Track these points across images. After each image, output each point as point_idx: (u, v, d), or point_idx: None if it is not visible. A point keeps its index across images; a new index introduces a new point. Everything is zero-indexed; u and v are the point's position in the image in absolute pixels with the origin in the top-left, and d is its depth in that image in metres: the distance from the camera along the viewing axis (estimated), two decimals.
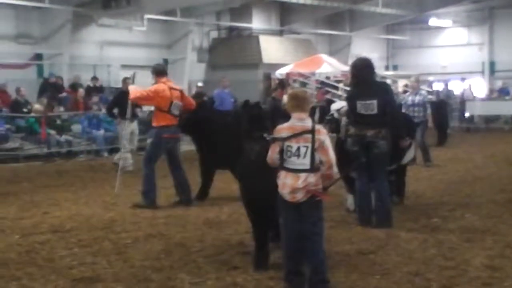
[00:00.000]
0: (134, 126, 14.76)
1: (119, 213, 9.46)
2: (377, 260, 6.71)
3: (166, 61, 27.83)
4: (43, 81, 21.64)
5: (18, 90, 19.08)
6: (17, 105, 18.53)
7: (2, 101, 18.74)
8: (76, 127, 18.89)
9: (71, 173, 14.57)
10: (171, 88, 9.93)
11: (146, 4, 23.45)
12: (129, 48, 25.75)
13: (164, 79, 10.04)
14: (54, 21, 23.10)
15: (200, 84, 21.65)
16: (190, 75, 27.33)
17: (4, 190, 12.00)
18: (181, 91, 10.19)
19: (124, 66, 25.45)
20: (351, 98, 8.59)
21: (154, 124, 10.00)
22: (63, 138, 18.20)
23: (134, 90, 10.03)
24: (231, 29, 29.66)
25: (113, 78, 24.39)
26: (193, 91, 22.64)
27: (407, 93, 15.24)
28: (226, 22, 29.34)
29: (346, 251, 7.07)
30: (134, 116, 14.06)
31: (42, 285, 5.97)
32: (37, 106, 18.37)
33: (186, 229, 8.34)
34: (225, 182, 11.09)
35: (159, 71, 10.20)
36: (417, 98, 14.12)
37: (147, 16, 25.31)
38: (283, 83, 22.92)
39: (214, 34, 29.64)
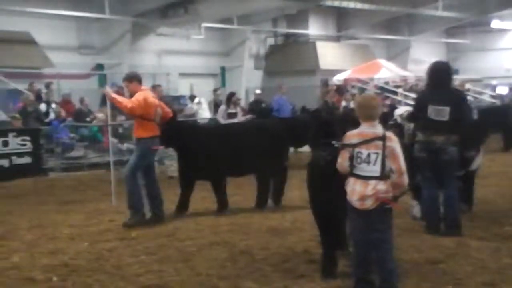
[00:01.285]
0: None
1: (182, 221, 9.51)
2: (448, 270, 6.54)
3: (223, 68, 28.07)
4: (103, 93, 21.97)
5: (81, 100, 19.48)
6: (81, 115, 18.88)
7: (67, 110, 19.07)
8: None
9: None
10: (153, 96, 9.58)
11: (203, 13, 23.63)
12: (187, 56, 26.00)
13: (143, 87, 9.53)
14: (114, 32, 23.49)
15: (258, 91, 21.62)
16: (247, 82, 27.45)
17: (70, 198, 12.22)
18: (159, 100, 9.83)
19: (182, 74, 25.75)
20: (422, 101, 8.43)
21: (142, 135, 9.40)
22: (126, 146, 18.43)
23: (124, 100, 9.44)
24: (287, 35, 29.68)
25: (172, 86, 24.69)
26: (251, 98, 22.71)
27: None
28: (282, 29, 29.36)
29: (415, 259, 6.92)
30: None
31: None
32: (100, 115, 18.67)
33: (249, 237, 8.30)
34: (286, 189, 11.02)
35: (139, 80, 9.50)
36: None
37: (204, 24, 25.51)
38: (340, 89, 22.86)
39: (271, 41, 29.69)
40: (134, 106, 9.18)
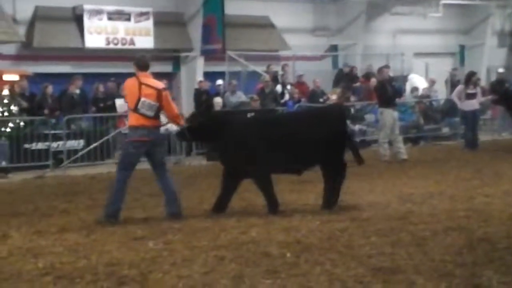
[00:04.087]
0: (395, 114, 15.00)
1: (416, 204, 9.32)
2: None
3: (462, 47, 27.07)
4: (338, 71, 22.25)
5: (314, 82, 19.90)
6: (314, 96, 19.29)
7: (301, 91, 19.57)
8: (370, 117, 19.09)
9: (366, 163, 14.55)
10: (142, 84, 8.65)
11: None
12: (423, 35, 25.47)
13: (141, 74, 8.76)
14: (349, 13, 23.69)
15: (501, 70, 20.63)
16: (489, 61, 26.20)
17: (303, 177, 12.33)
18: (159, 91, 8.71)
19: (417, 54, 25.23)
20: None
21: (128, 124, 9.14)
22: (357, 127, 18.55)
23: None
24: None
25: (406, 67, 24.32)
26: (493, 78, 21.69)
27: None
28: None
29: None
30: (394, 104, 14.63)
31: (343, 271, 6.02)
32: (333, 97, 18.94)
33: (489, 224, 7.91)
34: None
35: (139, 65, 8.81)
36: None
37: (443, 1, 24.73)
38: None
39: None
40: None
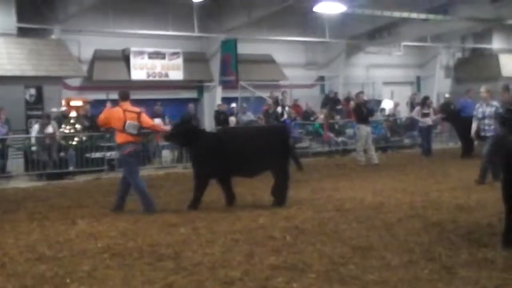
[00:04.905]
0: (369, 129, 15.15)
1: (386, 198, 9.31)
2: None
3: (418, 77, 27.07)
4: (325, 96, 22.23)
5: (306, 104, 19.89)
6: (307, 115, 19.28)
7: (297, 112, 19.56)
8: (349, 131, 19.08)
9: (347, 166, 14.72)
10: (125, 111, 8.78)
11: (403, 34, 23.11)
12: (389, 68, 25.41)
13: (123, 103, 8.91)
14: (333, 51, 23.67)
15: (447, 95, 20.62)
16: (438, 89, 26.20)
17: (299, 178, 12.39)
18: (138, 113, 8.90)
19: (385, 83, 25.24)
20: None
21: (117, 142, 9.17)
22: (340, 139, 18.51)
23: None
24: (474, 50, 27.76)
25: (377, 92, 24.31)
26: (442, 101, 21.65)
27: (477, 105, 10.94)
28: (469, 44, 27.53)
29: None
30: (368, 121, 14.84)
31: (330, 249, 6.04)
32: (321, 116, 18.93)
33: (440, 212, 7.92)
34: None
35: (122, 97, 8.99)
36: (488, 110, 10.42)
37: (403, 43, 24.76)
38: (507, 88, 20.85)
39: (459, 54, 27.98)
40: (98, 120, 9.31)
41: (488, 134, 10.35)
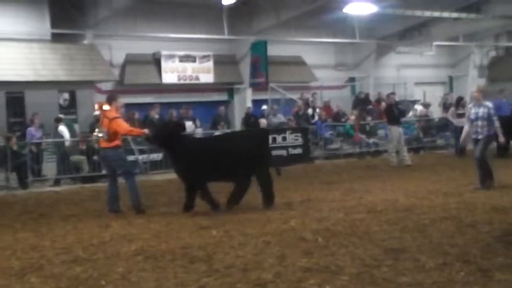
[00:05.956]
0: (401, 130, 14.97)
1: (418, 199, 9.19)
2: None
3: (451, 77, 26.71)
4: (355, 97, 22.10)
5: (337, 105, 19.82)
6: (337, 116, 19.20)
7: (327, 113, 19.49)
8: (381, 132, 18.92)
9: (379, 168, 14.60)
10: (104, 116, 9.27)
11: (434, 34, 22.82)
12: (420, 68, 25.12)
13: (109, 108, 9.32)
14: (363, 52, 23.53)
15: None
16: (471, 88, 25.73)
17: (330, 179, 12.44)
18: (111, 119, 9.12)
19: (417, 83, 24.95)
20: None
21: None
22: (371, 140, 18.38)
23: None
24: (508, 48, 27.25)
25: (408, 93, 24.05)
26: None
27: (469, 105, 10.66)
28: (503, 43, 27.03)
29: None
30: (399, 122, 14.80)
31: (362, 251, 5.99)
32: (352, 117, 18.84)
33: (475, 213, 7.77)
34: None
35: (108, 99, 9.44)
36: (481, 111, 9.93)
37: (435, 43, 24.46)
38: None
39: (492, 53, 27.50)
40: None
41: (480, 137, 9.92)
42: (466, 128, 10.37)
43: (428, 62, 25.30)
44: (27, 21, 16.74)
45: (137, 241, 6.95)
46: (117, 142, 9.18)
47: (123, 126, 9.25)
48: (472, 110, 10.11)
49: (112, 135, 9.11)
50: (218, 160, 8.72)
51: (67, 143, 14.75)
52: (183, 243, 6.74)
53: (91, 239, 7.24)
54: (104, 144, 9.26)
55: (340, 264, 5.57)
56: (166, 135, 8.94)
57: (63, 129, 14.87)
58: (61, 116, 15.49)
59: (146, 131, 9.44)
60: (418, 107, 21.27)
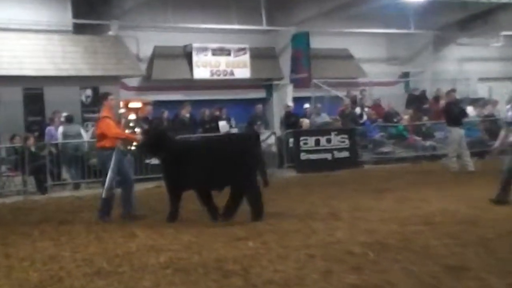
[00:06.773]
0: (462, 132, 14.66)
1: (482, 210, 9.02)
2: None
3: None
4: (410, 95, 21.88)
5: (389, 104, 19.68)
6: (389, 116, 19.04)
7: (377, 113, 19.35)
8: (439, 134, 18.66)
9: (437, 174, 14.39)
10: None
11: (502, 22, 22.42)
12: (485, 62, 24.66)
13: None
14: (418, 44, 23.28)
15: None
16: None
17: (382, 186, 12.34)
18: (99, 119, 9.69)
19: (481, 79, 24.50)
20: None
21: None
22: (428, 143, 18.17)
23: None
24: None
25: (471, 90, 23.66)
26: None
27: (507, 107, 10.28)
28: None
29: None
30: (460, 123, 14.51)
31: (419, 268, 5.90)
32: (405, 116, 18.66)
33: None
34: None
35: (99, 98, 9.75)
36: None
37: (503, 32, 23.96)
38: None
39: None
40: None
41: None
42: (502, 133, 10.05)
43: (494, 55, 24.82)
44: (47, 11, 17.10)
45: (166, 253, 7.01)
46: (104, 143, 9.41)
47: (111, 128, 9.43)
48: (509, 113, 9.94)
49: (99, 136, 9.48)
50: (196, 168, 8.87)
51: (85, 145, 14.93)
52: (216, 255, 6.77)
53: (115, 250, 7.33)
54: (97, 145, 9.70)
55: (393, 281, 5.51)
56: (152, 144, 9.24)
57: (72, 128, 15.03)
58: (70, 115, 15.61)
59: (138, 137, 9.60)
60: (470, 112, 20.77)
